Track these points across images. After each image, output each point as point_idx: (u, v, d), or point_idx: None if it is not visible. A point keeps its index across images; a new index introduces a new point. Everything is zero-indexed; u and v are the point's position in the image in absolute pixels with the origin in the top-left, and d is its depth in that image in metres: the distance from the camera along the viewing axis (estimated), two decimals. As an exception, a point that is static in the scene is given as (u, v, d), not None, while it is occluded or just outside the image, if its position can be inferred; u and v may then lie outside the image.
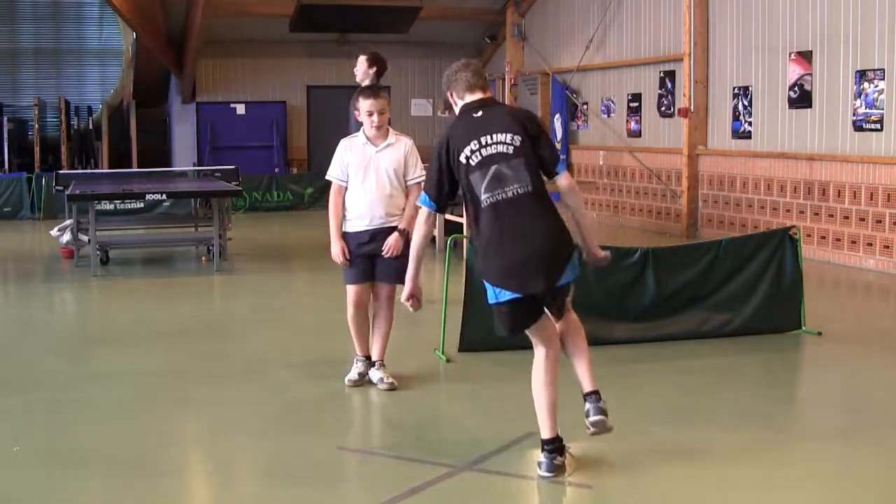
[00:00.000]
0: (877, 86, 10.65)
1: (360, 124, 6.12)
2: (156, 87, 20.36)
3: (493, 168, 4.54)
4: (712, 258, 7.43)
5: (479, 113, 4.71)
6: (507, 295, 4.54)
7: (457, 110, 4.87)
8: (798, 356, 7.25)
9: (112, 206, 14.66)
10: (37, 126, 19.84)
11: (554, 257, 4.56)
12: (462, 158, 4.60)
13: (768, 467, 4.78)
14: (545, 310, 4.66)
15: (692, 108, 13.59)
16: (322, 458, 4.97)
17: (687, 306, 7.39)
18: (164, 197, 12.28)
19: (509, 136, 4.59)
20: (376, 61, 8.80)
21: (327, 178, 6.12)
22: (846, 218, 11.15)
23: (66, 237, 11.84)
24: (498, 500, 4.51)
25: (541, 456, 4.65)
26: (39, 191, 16.74)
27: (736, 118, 13.03)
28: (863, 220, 10.92)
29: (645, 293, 7.26)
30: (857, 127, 10.96)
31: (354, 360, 6.28)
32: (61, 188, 12.82)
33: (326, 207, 6.18)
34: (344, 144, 6.10)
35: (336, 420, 5.71)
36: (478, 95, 4.80)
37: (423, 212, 4.80)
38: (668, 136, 14.46)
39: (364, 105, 5.96)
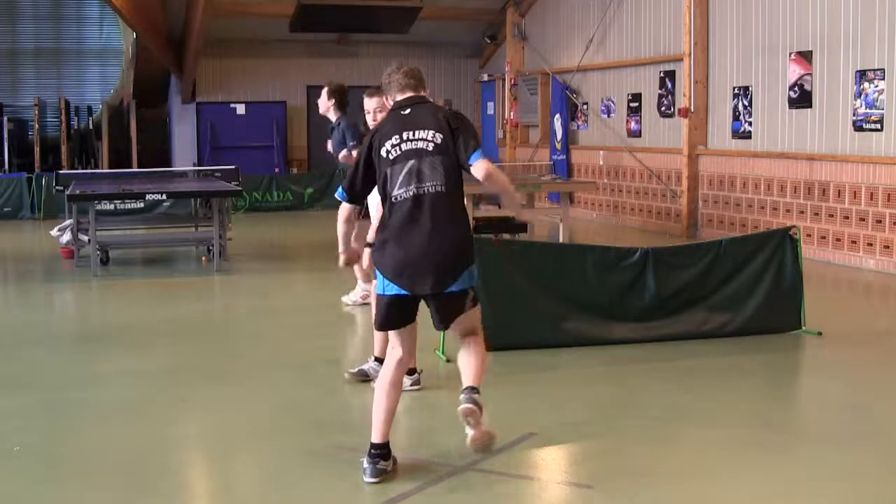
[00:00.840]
0: (877, 86, 10.65)
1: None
2: (156, 87, 20.36)
3: (410, 163, 4.57)
4: (712, 258, 7.43)
5: (408, 111, 4.74)
6: (392, 289, 4.54)
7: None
8: (798, 356, 7.25)
9: (112, 206, 14.68)
10: (37, 126, 19.83)
11: (448, 262, 4.53)
12: (383, 152, 4.62)
13: (768, 467, 4.78)
14: (416, 317, 4.67)
15: (692, 108, 13.59)
16: (322, 458, 4.97)
17: (687, 306, 7.39)
18: (164, 197, 12.28)
19: (431, 133, 4.61)
20: (334, 93, 8.92)
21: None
22: (846, 218, 11.15)
23: (67, 237, 11.84)
24: (498, 500, 4.51)
25: (364, 462, 4.58)
26: (39, 191, 16.75)
27: (736, 118, 13.03)
28: (863, 220, 10.92)
29: (645, 293, 7.26)
30: (857, 127, 10.96)
31: (371, 358, 6.27)
32: (61, 188, 12.81)
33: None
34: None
35: (336, 420, 5.71)
36: (408, 94, 4.83)
37: (343, 208, 4.89)
38: (668, 136, 14.46)
39: (370, 104, 6.02)
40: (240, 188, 12.99)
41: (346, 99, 8.97)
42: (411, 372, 6.14)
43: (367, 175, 4.70)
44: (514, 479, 4.68)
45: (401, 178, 4.56)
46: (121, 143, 20.13)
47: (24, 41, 21.59)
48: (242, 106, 19.60)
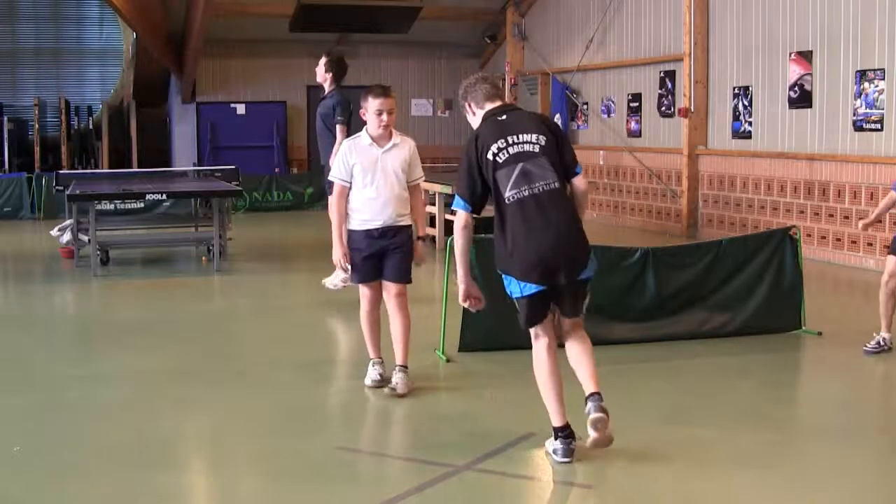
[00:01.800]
0: (877, 86, 10.65)
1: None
2: (156, 87, 20.36)
3: (520, 165, 4.71)
4: (712, 258, 7.43)
5: (504, 116, 4.89)
6: (532, 288, 4.67)
7: (477, 119, 4.99)
8: (798, 356, 7.25)
9: (112, 206, 14.66)
10: (37, 126, 19.83)
11: (576, 251, 4.72)
12: (489, 156, 4.75)
13: (768, 467, 4.78)
14: (552, 304, 4.78)
15: (692, 108, 13.59)
16: (322, 458, 4.97)
17: (687, 306, 7.39)
18: (165, 197, 12.28)
19: (535, 135, 4.78)
20: (332, 66, 8.83)
21: (330, 178, 6.06)
22: (846, 218, 11.15)
23: (67, 237, 11.84)
24: (498, 500, 4.51)
25: (556, 443, 4.73)
26: (39, 191, 16.74)
27: (736, 118, 13.03)
28: (863, 220, 10.89)
29: (645, 293, 7.26)
30: (858, 127, 10.96)
31: (371, 362, 6.23)
32: (61, 188, 12.81)
33: (327, 207, 6.13)
34: (348, 145, 6.00)
35: (336, 420, 5.71)
36: (497, 103, 4.99)
37: (460, 216, 4.88)
38: (668, 136, 14.46)
39: (374, 104, 5.83)
40: (240, 188, 13.00)
41: (345, 73, 9.06)
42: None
43: (481, 180, 4.79)
44: (514, 479, 4.68)
45: (512, 180, 4.70)
46: (121, 143, 20.13)
47: (24, 41, 21.60)
48: (242, 106, 19.60)
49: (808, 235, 11.45)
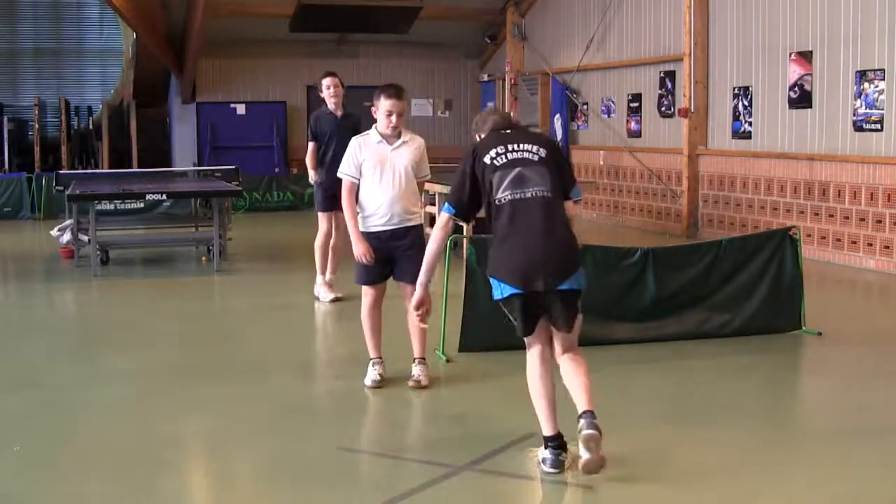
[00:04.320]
0: (877, 86, 10.65)
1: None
2: (156, 87, 20.35)
3: (517, 170, 4.71)
4: (712, 258, 7.43)
5: (508, 131, 4.93)
6: (509, 290, 4.62)
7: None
8: (798, 356, 7.25)
9: (112, 206, 14.67)
10: (37, 126, 19.83)
11: (558, 260, 4.65)
12: (486, 159, 4.75)
13: (768, 467, 4.78)
14: (541, 316, 4.71)
15: (692, 108, 13.59)
16: (322, 459, 4.97)
17: (687, 306, 7.39)
18: (164, 197, 12.28)
19: (535, 147, 4.80)
20: (342, 84, 9.17)
21: (339, 175, 6.11)
22: (846, 218, 11.15)
23: (67, 237, 11.84)
24: (498, 500, 4.51)
25: (546, 452, 4.67)
26: (39, 191, 16.74)
27: (736, 118, 13.03)
28: (863, 220, 10.92)
29: (645, 293, 7.26)
30: (858, 127, 10.95)
31: (371, 362, 6.26)
32: (61, 188, 12.82)
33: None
34: (357, 142, 6.09)
35: (336, 420, 5.71)
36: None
37: (442, 217, 4.91)
38: (668, 136, 14.46)
39: (385, 104, 5.91)
40: (240, 188, 13.00)
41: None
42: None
43: (473, 189, 4.80)
44: (514, 479, 4.68)
45: (506, 182, 4.70)
46: (121, 143, 20.13)
47: (24, 41, 21.60)
48: (242, 106, 19.60)
49: (808, 235, 11.45)
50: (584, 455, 4.46)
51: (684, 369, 6.72)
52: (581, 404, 4.57)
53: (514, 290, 4.61)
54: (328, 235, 9.07)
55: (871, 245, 10.85)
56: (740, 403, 5.99)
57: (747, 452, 5.00)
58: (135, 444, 5.23)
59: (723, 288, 7.44)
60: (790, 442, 5.28)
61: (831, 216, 11.38)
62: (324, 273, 9.15)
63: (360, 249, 5.94)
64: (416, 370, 6.15)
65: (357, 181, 6.00)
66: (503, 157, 4.74)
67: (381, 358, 6.25)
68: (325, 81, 9.10)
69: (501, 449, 4.98)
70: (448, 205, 4.88)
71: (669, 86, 14.37)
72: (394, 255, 5.97)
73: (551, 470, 4.62)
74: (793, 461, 4.94)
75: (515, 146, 4.77)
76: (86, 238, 11.18)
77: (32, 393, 6.26)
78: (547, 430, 4.66)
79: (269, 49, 19.45)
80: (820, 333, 7.50)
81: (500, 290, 4.67)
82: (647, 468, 4.77)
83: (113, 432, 5.45)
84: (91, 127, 20.91)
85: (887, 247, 10.64)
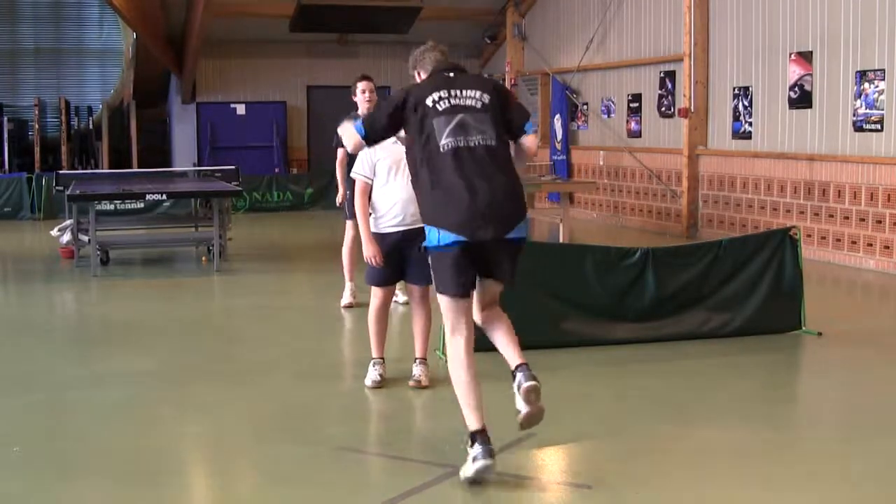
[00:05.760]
0: (877, 86, 10.65)
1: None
2: (156, 87, 20.36)
3: (459, 116, 4.61)
4: (712, 258, 7.43)
5: (451, 74, 4.82)
6: (452, 237, 4.49)
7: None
8: (798, 356, 7.25)
9: (112, 207, 14.69)
10: (37, 126, 19.84)
11: (508, 208, 4.57)
12: (429, 101, 4.64)
13: (768, 467, 4.78)
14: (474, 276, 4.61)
15: (692, 108, 13.60)
16: (322, 459, 4.97)
17: (687, 306, 7.38)
18: (164, 197, 12.28)
19: (479, 93, 4.70)
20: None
21: (352, 175, 6.10)
22: (846, 218, 11.16)
23: (67, 237, 11.84)
24: (498, 500, 4.50)
25: (475, 449, 4.45)
26: (39, 191, 16.75)
27: (736, 118, 13.03)
28: (863, 220, 10.92)
29: (645, 293, 7.25)
30: (858, 127, 10.96)
31: (371, 362, 6.25)
32: (61, 188, 12.82)
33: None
34: None
35: (336, 420, 5.71)
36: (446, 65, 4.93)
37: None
38: (668, 137, 14.47)
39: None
40: (240, 188, 13.00)
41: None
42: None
43: (391, 123, 4.74)
44: (514, 479, 4.68)
45: (449, 129, 4.59)
46: (121, 143, 20.14)
47: (24, 41, 21.60)
48: (242, 106, 19.60)
49: (808, 236, 11.45)
50: (524, 408, 4.41)
51: (684, 369, 6.71)
52: (515, 359, 4.55)
53: (458, 238, 4.48)
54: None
55: (871, 245, 10.85)
56: (740, 404, 5.99)
57: (747, 452, 5.00)
58: (135, 444, 5.23)
59: (723, 288, 7.43)
60: (790, 442, 5.28)
61: (831, 216, 11.38)
62: (353, 279, 8.76)
63: (370, 251, 5.92)
64: (417, 370, 6.17)
65: (371, 182, 5.98)
66: (446, 101, 4.63)
67: (382, 358, 6.25)
68: (360, 85, 8.58)
69: (501, 449, 4.97)
70: (360, 125, 4.78)
71: (669, 86, 14.37)
72: (406, 256, 5.95)
73: (485, 462, 4.39)
74: (792, 461, 4.94)
75: (459, 91, 4.66)
76: (86, 238, 11.18)
77: (32, 393, 6.25)
78: (476, 424, 4.50)
79: (269, 49, 19.45)
80: (820, 333, 7.49)
81: (439, 238, 4.52)
82: (646, 468, 4.77)
83: (113, 432, 5.44)
84: (91, 127, 20.91)
85: (887, 247, 10.64)
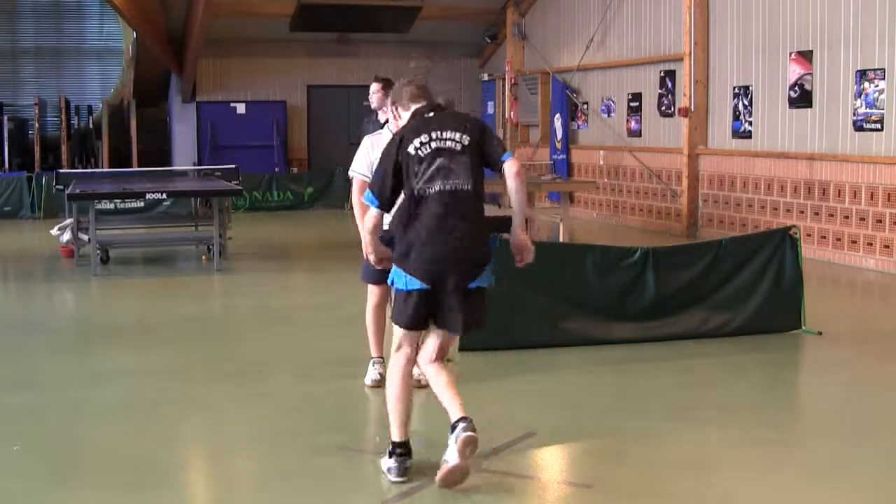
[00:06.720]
0: (877, 86, 10.65)
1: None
2: (156, 86, 20.35)
3: (439, 160, 4.64)
4: (712, 258, 7.43)
5: (432, 114, 4.85)
6: (416, 284, 4.58)
7: (405, 118, 4.98)
8: (798, 356, 7.26)
9: (112, 206, 14.67)
10: (37, 125, 19.83)
11: (470, 259, 4.62)
12: (411, 150, 4.67)
13: (768, 467, 4.78)
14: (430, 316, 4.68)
15: (692, 107, 13.59)
16: (322, 458, 4.97)
17: (687, 306, 7.39)
18: (165, 196, 12.29)
19: (458, 134, 4.72)
20: (388, 85, 8.67)
21: (350, 173, 6.08)
22: (846, 218, 11.15)
23: (67, 236, 11.84)
24: (498, 500, 4.50)
25: (391, 462, 4.58)
26: (39, 190, 16.75)
27: (736, 118, 13.03)
28: (863, 219, 10.92)
29: (645, 293, 7.25)
30: (858, 127, 10.95)
31: (371, 361, 6.25)
32: (61, 187, 12.81)
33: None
34: (370, 141, 6.06)
35: (336, 420, 5.71)
36: (422, 103, 4.97)
37: (371, 214, 4.83)
38: (668, 136, 14.46)
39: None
40: (240, 188, 12.99)
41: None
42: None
43: (396, 180, 4.72)
44: (514, 479, 4.68)
45: (428, 173, 4.62)
46: (121, 143, 20.12)
47: (24, 40, 21.58)
48: (242, 105, 19.60)
49: (808, 235, 11.45)
50: (453, 461, 4.40)
51: (684, 369, 6.71)
52: (458, 412, 4.55)
53: (420, 287, 4.58)
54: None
55: (871, 245, 10.85)
56: (740, 403, 5.99)
57: (747, 452, 5.00)
58: (134, 443, 5.23)
59: (723, 287, 7.44)
60: (790, 442, 5.28)
61: (831, 216, 11.38)
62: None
63: (375, 255, 5.90)
64: (417, 370, 6.13)
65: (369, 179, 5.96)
66: (427, 146, 4.66)
67: (382, 357, 6.24)
68: (374, 87, 7.91)
69: (501, 449, 4.98)
70: (373, 196, 4.76)
71: (669, 85, 14.37)
72: None
73: (397, 479, 4.54)
74: (792, 461, 4.94)
75: (440, 133, 4.69)
76: (86, 237, 11.18)
77: (32, 392, 6.25)
78: (400, 436, 4.63)
79: (269, 49, 19.44)
80: (820, 333, 7.49)
81: (405, 283, 4.61)
82: (646, 468, 4.77)
83: (112, 432, 5.44)
84: (91, 126, 20.90)
85: (887, 246, 10.64)
